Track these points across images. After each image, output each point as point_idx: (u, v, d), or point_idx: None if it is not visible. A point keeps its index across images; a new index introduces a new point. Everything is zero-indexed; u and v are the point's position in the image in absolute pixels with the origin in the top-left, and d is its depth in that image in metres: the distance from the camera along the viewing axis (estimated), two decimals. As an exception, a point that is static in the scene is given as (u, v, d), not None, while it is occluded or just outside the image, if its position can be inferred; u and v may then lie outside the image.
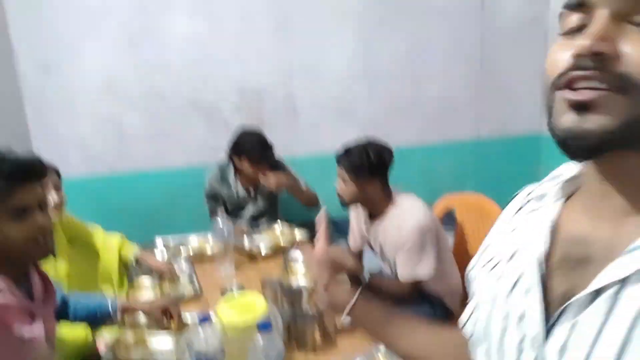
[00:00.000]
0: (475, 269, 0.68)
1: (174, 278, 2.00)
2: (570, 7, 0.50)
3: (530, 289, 0.53)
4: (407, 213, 1.93)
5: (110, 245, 2.10)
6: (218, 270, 2.08)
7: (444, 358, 0.77)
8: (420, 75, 3.20)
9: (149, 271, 2.06)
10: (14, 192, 1.18)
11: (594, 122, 0.45)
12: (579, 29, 0.49)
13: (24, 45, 2.69)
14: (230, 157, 2.59)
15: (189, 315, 1.70)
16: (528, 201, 0.64)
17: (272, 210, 2.77)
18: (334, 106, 3.16)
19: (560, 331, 0.49)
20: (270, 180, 2.50)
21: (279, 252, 2.27)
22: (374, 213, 2.04)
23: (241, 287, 1.88)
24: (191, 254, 2.32)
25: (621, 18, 0.45)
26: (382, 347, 1.43)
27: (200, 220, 2.79)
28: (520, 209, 0.65)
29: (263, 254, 2.26)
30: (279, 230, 2.52)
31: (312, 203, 2.76)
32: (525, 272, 0.55)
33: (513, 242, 0.60)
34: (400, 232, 1.91)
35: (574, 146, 0.47)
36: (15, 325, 1.19)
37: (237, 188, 2.65)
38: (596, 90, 0.45)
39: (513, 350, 0.55)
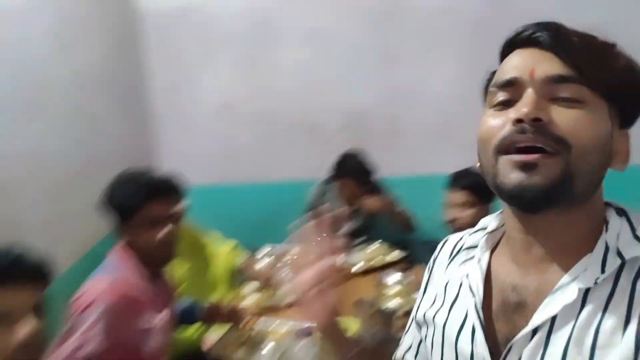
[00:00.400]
0: (420, 313, 0.74)
1: (275, 286, 2.13)
2: (501, 86, 0.60)
3: (476, 334, 0.61)
4: None
5: (220, 253, 2.30)
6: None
7: None
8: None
9: (253, 279, 2.22)
10: (153, 203, 1.43)
11: (539, 178, 0.54)
12: (507, 104, 0.59)
13: (155, 69, 3.07)
14: (334, 177, 2.72)
15: (289, 325, 1.80)
16: (458, 252, 0.72)
17: (369, 229, 2.84)
18: (436, 129, 3.17)
19: None
20: (370, 203, 2.58)
21: (373, 271, 2.32)
22: None
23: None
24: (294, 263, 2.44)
25: (543, 96, 0.56)
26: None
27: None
28: (451, 259, 0.73)
29: (356, 270, 2.32)
30: (374, 250, 2.57)
31: (408, 226, 2.79)
32: (468, 319, 0.64)
33: (450, 293, 0.69)
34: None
35: (526, 199, 0.55)
36: (145, 312, 1.43)
37: (339, 204, 2.76)
38: (538, 153, 0.54)
39: None
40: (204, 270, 2.21)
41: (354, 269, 2.33)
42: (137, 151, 2.81)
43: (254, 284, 2.18)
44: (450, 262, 0.74)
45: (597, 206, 0.60)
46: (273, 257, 2.48)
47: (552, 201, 0.55)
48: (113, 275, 1.39)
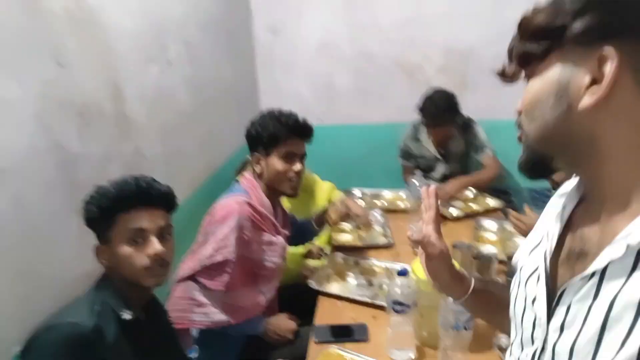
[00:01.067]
0: (515, 256, 0.81)
1: (369, 225, 2.20)
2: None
3: (540, 278, 0.66)
4: None
5: (324, 189, 2.41)
6: (410, 225, 2.22)
7: None
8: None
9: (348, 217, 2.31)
10: (290, 140, 1.62)
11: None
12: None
13: (259, 9, 3.11)
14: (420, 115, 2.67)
15: (385, 265, 1.89)
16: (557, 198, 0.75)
17: (462, 172, 2.77)
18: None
19: (559, 312, 0.61)
20: (445, 190, 2.45)
21: (469, 217, 2.31)
22: None
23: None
24: (385, 205, 2.50)
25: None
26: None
27: (392, 177, 2.96)
28: (551, 206, 0.76)
29: (454, 215, 2.31)
30: (471, 196, 2.53)
31: (492, 181, 2.68)
32: (539, 264, 0.67)
33: (536, 236, 0.74)
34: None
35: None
36: (265, 232, 1.63)
37: (429, 147, 2.73)
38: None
39: (529, 327, 0.67)
40: (309, 206, 2.34)
41: (453, 213, 2.32)
42: (242, 91, 2.93)
43: (350, 223, 2.26)
44: (550, 208, 0.76)
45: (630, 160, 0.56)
46: (365, 199, 2.56)
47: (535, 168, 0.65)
48: (245, 196, 1.60)
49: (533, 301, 0.67)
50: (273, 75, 3.21)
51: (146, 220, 1.11)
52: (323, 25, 3.08)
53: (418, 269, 1.39)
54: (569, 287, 0.60)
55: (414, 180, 2.18)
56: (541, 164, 0.64)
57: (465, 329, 1.25)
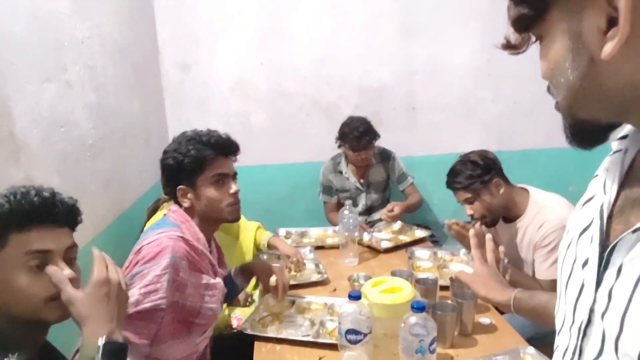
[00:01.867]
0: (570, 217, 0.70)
1: (300, 264, 2.05)
2: None
3: (594, 238, 0.54)
4: (548, 212, 1.81)
5: (249, 228, 2.21)
6: (342, 260, 2.11)
7: None
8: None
9: (277, 258, 2.14)
10: (217, 161, 1.41)
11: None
12: None
13: (167, 46, 2.95)
14: (339, 145, 2.66)
15: (324, 301, 1.74)
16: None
17: (385, 202, 2.78)
18: (456, 107, 3.09)
19: (608, 276, 0.50)
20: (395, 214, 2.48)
21: (399, 248, 2.25)
22: (511, 217, 1.94)
23: (368, 277, 1.87)
24: (313, 242, 2.37)
25: None
26: (530, 348, 1.35)
27: (316, 215, 2.86)
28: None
29: (383, 247, 2.24)
30: (398, 227, 2.50)
31: (417, 208, 2.75)
32: (593, 220, 0.56)
33: (593, 187, 0.62)
34: (541, 231, 1.80)
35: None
36: (203, 273, 1.39)
37: (350, 177, 2.70)
38: None
39: (573, 296, 0.56)
40: (234, 250, 2.16)
41: (383, 245, 2.24)
42: (151, 127, 2.69)
43: (279, 261, 2.10)
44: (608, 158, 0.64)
45: None
46: (292, 238, 2.42)
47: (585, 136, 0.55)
48: (177, 230, 1.35)
49: (584, 264, 0.55)
50: (184, 113, 3.01)
51: (51, 240, 0.90)
52: (236, 62, 2.98)
53: (369, 292, 1.26)
54: (620, 243, 0.49)
55: (345, 212, 2.09)
56: (590, 130, 0.54)
57: (431, 352, 1.13)
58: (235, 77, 3.00)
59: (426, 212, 3.00)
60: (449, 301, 1.54)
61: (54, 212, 0.92)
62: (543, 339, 1.73)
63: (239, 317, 1.98)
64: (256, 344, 1.50)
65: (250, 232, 2.20)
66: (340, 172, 2.74)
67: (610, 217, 0.54)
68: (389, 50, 2.99)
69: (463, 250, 2.13)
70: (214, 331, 1.72)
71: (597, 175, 0.62)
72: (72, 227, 0.98)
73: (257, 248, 2.21)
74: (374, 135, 2.57)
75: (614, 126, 0.54)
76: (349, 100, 3.08)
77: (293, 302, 1.73)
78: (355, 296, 1.21)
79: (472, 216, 1.92)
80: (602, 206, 0.55)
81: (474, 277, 1.28)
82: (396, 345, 1.18)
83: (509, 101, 3.06)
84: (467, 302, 1.49)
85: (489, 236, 1.35)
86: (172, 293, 1.27)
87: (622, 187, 0.55)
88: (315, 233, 2.50)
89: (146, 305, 1.22)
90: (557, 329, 0.61)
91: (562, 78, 0.51)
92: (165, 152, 1.45)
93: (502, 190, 1.87)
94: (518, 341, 1.45)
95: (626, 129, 0.61)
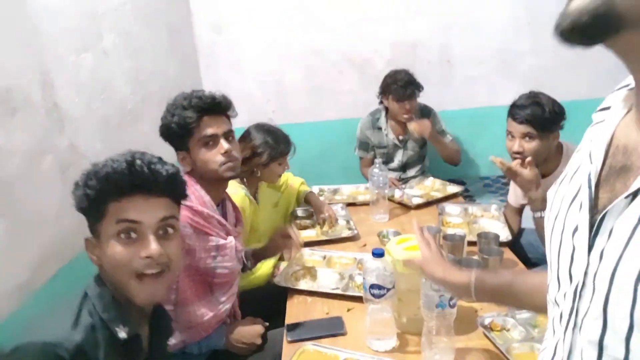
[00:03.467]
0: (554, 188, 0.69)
1: (333, 220, 2.11)
2: None
3: (583, 205, 0.55)
4: None
5: (293, 184, 2.29)
6: (372, 216, 2.16)
7: None
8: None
9: (311, 214, 2.22)
10: (204, 122, 1.38)
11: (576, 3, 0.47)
12: None
13: (200, 8, 2.97)
14: (381, 100, 2.64)
15: (353, 256, 1.79)
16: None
17: (421, 159, 2.77)
18: (493, 59, 2.98)
19: (600, 240, 0.52)
20: (414, 125, 2.51)
21: (430, 204, 2.27)
22: (545, 172, 1.90)
23: (397, 233, 1.92)
24: (345, 199, 2.43)
25: None
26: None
27: (350, 172, 2.89)
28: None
29: (415, 203, 2.27)
30: (430, 183, 2.51)
31: (454, 159, 2.72)
32: (581, 189, 0.57)
33: (576, 161, 0.62)
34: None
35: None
36: (212, 235, 1.42)
37: (388, 133, 2.69)
38: None
39: (566, 263, 0.58)
40: (279, 198, 2.22)
41: (414, 202, 2.27)
42: (188, 89, 2.76)
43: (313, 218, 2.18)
44: (591, 128, 0.65)
45: None
46: (325, 195, 2.48)
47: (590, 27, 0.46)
48: None
49: (574, 232, 0.57)
50: (218, 74, 3.06)
51: (143, 211, 0.88)
52: (269, 21, 2.97)
53: (393, 249, 1.31)
54: (611, 210, 0.51)
55: (375, 170, 2.11)
56: (603, 24, 0.46)
57: (451, 306, 1.17)
58: (268, 36, 3.00)
59: (460, 167, 2.97)
60: (476, 257, 1.57)
61: (149, 182, 0.88)
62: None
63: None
64: (289, 296, 1.59)
65: (293, 188, 2.28)
66: (379, 129, 2.71)
67: (597, 186, 0.55)
68: (423, 2, 2.90)
69: (494, 206, 2.13)
70: (259, 282, 1.83)
71: (580, 150, 0.63)
72: (172, 197, 0.94)
73: (298, 202, 2.31)
74: (418, 85, 2.56)
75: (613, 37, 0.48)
76: (383, 55, 3.02)
77: (324, 257, 1.80)
78: (378, 254, 1.26)
79: (519, 153, 1.83)
80: (589, 175, 0.56)
81: (426, 260, 1.12)
82: (419, 300, 1.23)
83: (550, 52, 2.92)
84: (492, 258, 1.52)
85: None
86: (182, 259, 1.25)
87: (605, 157, 0.56)
88: (348, 190, 2.55)
89: None
90: (552, 297, 0.63)
91: None
92: (162, 116, 1.43)
93: (555, 142, 1.85)
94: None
95: (607, 101, 0.62)
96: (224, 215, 1.54)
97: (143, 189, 0.88)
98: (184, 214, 1.32)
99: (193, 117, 1.36)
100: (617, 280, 0.49)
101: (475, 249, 1.69)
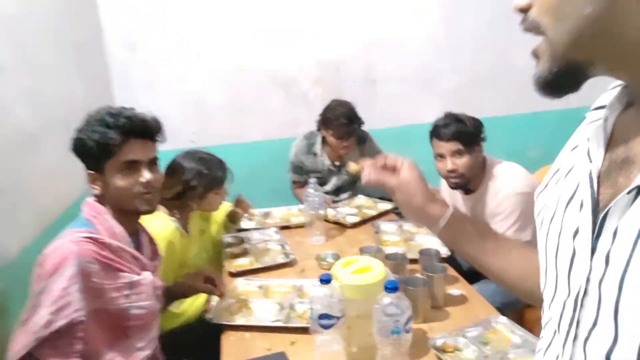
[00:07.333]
0: (540, 189, 0.66)
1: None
2: None
3: (583, 205, 0.52)
4: (503, 181, 1.83)
5: (221, 208, 2.13)
6: (308, 239, 2.06)
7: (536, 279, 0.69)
8: (505, 43, 3.02)
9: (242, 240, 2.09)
10: (128, 146, 1.23)
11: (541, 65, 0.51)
12: None
13: (110, 23, 2.75)
14: (319, 128, 2.56)
15: (292, 283, 1.69)
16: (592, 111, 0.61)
17: (354, 182, 2.73)
18: (415, 78, 3.06)
19: (603, 241, 0.48)
20: (354, 167, 2.45)
21: (366, 222, 2.24)
22: (472, 188, 1.93)
23: (336, 255, 1.84)
24: (278, 222, 2.32)
25: None
26: (501, 318, 1.35)
27: (280, 194, 2.79)
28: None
29: (350, 222, 2.21)
30: (362, 201, 2.48)
31: None
32: (580, 187, 0.53)
33: (570, 160, 0.59)
34: (496, 199, 1.81)
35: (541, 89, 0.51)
36: (125, 271, 1.24)
37: (323, 159, 2.62)
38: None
39: (566, 265, 0.53)
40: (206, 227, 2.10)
41: (349, 220, 2.22)
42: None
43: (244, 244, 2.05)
44: (585, 126, 0.61)
45: None
46: (255, 219, 2.35)
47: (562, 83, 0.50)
48: (85, 230, 1.19)
49: (575, 234, 0.52)
50: (133, 95, 2.83)
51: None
52: (188, 39, 2.82)
53: (340, 274, 1.22)
54: (613, 207, 0.47)
55: (310, 190, 2.03)
56: (571, 75, 0.49)
57: (406, 331, 1.10)
58: (188, 54, 2.85)
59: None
60: (419, 274, 1.53)
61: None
62: (512, 307, 1.77)
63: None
64: (224, 333, 1.44)
65: (217, 213, 2.15)
66: (315, 154, 2.63)
67: (597, 183, 0.51)
68: (345, 22, 2.91)
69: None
70: (187, 320, 1.66)
71: (576, 147, 0.59)
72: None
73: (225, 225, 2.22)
74: (360, 122, 2.48)
75: (588, 76, 0.50)
76: (308, 73, 2.98)
77: (260, 287, 1.68)
78: (326, 280, 1.16)
79: (452, 171, 1.84)
80: (590, 173, 0.52)
81: (404, 183, 0.88)
82: (370, 325, 1.15)
83: (467, 70, 3.05)
84: (437, 276, 1.48)
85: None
86: (89, 302, 1.13)
87: (606, 152, 0.53)
88: (279, 213, 2.44)
89: (61, 323, 1.09)
90: (546, 304, 0.58)
91: (571, 8, 0.46)
92: (76, 130, 1.26)
93: (481, 157, 1.89)
94: (489, 310, 1.45)
95: (601, 99, 0.59)
96: (138, 247, 1.34)
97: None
98: (89, 247, 1.16)
99: (117, 139, 1.21)
100: (627, 286, 0.44)
101: (417, 266, 1.65)
